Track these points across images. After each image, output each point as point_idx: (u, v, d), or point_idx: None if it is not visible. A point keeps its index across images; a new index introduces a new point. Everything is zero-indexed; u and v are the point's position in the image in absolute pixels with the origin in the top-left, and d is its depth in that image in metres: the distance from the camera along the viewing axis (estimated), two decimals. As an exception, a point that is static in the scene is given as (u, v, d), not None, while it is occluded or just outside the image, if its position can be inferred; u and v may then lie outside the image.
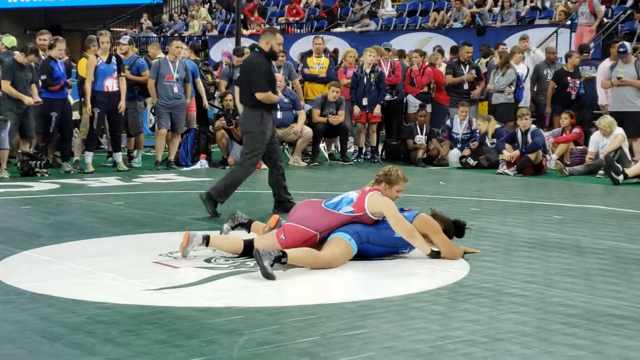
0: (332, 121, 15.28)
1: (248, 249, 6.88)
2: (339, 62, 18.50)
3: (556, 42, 19.52)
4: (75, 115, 14.41)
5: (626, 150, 13.66)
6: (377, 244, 6.99)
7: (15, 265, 6.82)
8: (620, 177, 12.76)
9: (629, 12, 20.50)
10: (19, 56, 13.07)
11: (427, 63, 16.67)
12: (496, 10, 23.72)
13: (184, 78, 14.37)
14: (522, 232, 8.54)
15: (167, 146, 14.75)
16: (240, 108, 10.19)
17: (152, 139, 15.44)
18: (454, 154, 15.28)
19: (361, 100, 15.50)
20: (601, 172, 13.42)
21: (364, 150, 16.08)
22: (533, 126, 14.39)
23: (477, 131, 15.13)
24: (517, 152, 14.01)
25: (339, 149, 16.02)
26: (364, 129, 15.92)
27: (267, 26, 23.54)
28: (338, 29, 26.42)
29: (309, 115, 15.47)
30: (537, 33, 21.12)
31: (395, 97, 16.35)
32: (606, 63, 15.29)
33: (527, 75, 16.41)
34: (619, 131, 13.67)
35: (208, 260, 6.93)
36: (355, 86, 15.52)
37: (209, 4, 32.25)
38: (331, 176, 13.84)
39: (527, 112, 14.55)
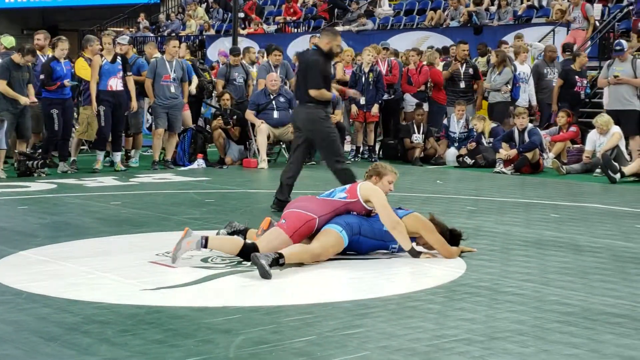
0: (329, 120, 15.28)
1: (247, 249, 6.81)
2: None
3: (553, 41, 19.52)
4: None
5: (623, 148, 13.69)
6: (368, 237, 7.02)
7: (12, 266, 6.81)
8: (617, 176, 12.76)
9: (625, 10, 20.50)
10: (15, 56, 13.06)
11: (424, 62, 16.66)
12: (493, 9, 23.74)
13: (180, 78, 14.37)
14: (519, 230, 8.54)
15: (164, 146, 14.73)
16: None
17: (149, 138, 15.44)
18: (451, 153, 15.29)
19: (359, 100, 15.50)
20: (598, 170, 13.43)
21: (361, 149, 16.09)
22: (530, 125, 14.40)
23: (474, 130, 15.14)
24: (514, 151, 14.02)
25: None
26: (362, 128, 15.93)
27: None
28: (335, 28, 26.39)
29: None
30: (534, 32, 21.16)
31: (393, 96, 16.36)
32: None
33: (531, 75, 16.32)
34: (616, 129, 13.69)
35: (205, 260, 6.93)
36: (354, 85, 15.52)
37: (206, 3, 32.24)
38: (328, 175, 13.78)
39: (524, 111, 14.56)
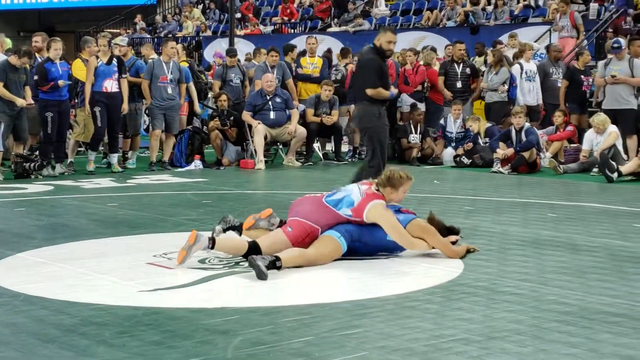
0: (326, 121, 15.29)
1: (252, 250, 6.82)
2: (333, 62, 18.46)
3: (549, 40, 19.54)
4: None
5: (620, 147, 13.68)
6: (368, 244, 7.02)
7: (9, 268, 6.80)
8: (615, 175, 12.77)
9: (621, 10, 20.52)
10: (12, 58, 13.04)
11: (421, 62, 16.67)
12: (490, 8, 23.75)
13: (177, 79, 14.37)
14: (516, 230, 8.55)
15: (161, 147, 14.73)
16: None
17: (146, 139, 15.44)
18: (448, 153, 15.29)
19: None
20: (595, 169, 13.44)
21: (358, 149, 16.08)
22: (527, 124, 14.40)
23: (471, 130, 15.14)
24: (511, 150, 14.02)
25: (333, 149, 16.03)
26: (359, 128, 15.92)
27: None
28: (332, 29, 26.42)
29: (303, 115, 15.47)
30: (531, 31, 21.19)
31: (389, 96, 16.36)
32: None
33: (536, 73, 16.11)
34: (613, 129, 13.69)
35: (202, 261, 6.92)
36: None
37: (202, 4, 32.24)
38: (326, 176, 13.84)
39: (521, 111, 14.55)
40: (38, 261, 7.01)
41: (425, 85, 16.45)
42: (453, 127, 15.42)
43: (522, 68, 15.90)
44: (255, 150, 14.78)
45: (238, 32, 26.62)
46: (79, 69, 13.83)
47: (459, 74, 16.36)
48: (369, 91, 9.73)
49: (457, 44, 16.72)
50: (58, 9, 37.59)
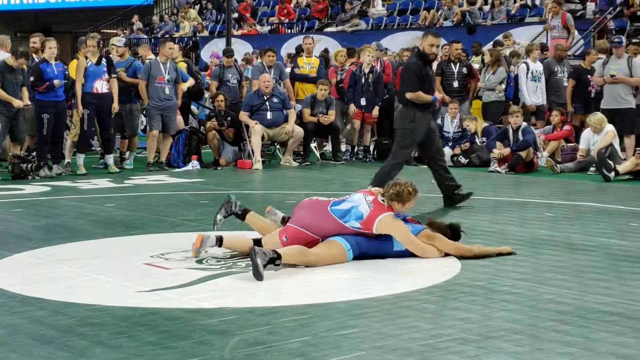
0: (323, 121, 15.29)
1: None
2: (330, 62, 18.45)
3: (546, 39, 19.53)
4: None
5: (617, 146, 13.70)
6: (373, 255, 7.02)
7: (6, 269, 6.80)
8: (612, 174, 12.78)
9: (618, 9, 20.55)
10: (9, 59, 13.04)
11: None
12: (486, 8, 23.76)
13: (174, 79, 14.37)
14: (513, 229, 8.55)
15: (158, 147, 14.71)
16: None
17: (143, 140, 15.43)
18: (445, 153, 15.25)
19: (359, 100, 15.50)
20: (592, 169, 13.45)
21: (356, 149, 16.07)
22: (524, 123, 14.41)
23: (468, 130, 15.15)
24: (507, 150, 14.03)
25: (331, 149, 16.04)
26: (359, 128, 15.89)
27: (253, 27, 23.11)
28: (329, 29, 26.43)
29: (300, 115, 15.47)
30: (528, 31, 21.19)
31: (387, 96, 16.36)
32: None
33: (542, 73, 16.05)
34: (610, 128, 13.70)
35: (199, 261, 6.93)
36: (353, 85, 15.50)
37: (199, 5, 32.24)
38: (323, 176, 13.84)
39: (518, 110, 14.56)
40: (35, 262, 7.01)
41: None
42: (450, 126, 15.42)
43: (528, 67, 15.82)
44: (252, 150, 14.78)
45: (235, 32, 26.62)
46: (75, 70, 13.80)
47: (455, 73, 16.36)
48: (409, 95, 9.84)
49: (453, 44, 16.71)
50: (55, 10, 37.57)
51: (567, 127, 14.89)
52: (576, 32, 19.13)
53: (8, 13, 37.65)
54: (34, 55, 13.98)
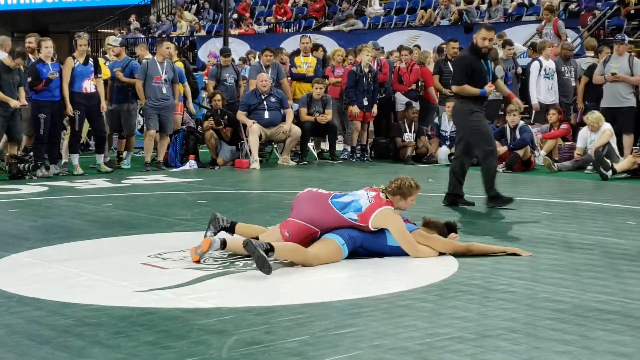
0: (320, 120, 15.28)
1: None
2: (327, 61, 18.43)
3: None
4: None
5: (614, 145, 13.70)
6: (369, 250, 7.02)
7: (3, 269, 6.80)
8: (609, 173, 12.79)
9: (615, 7, 20.55)
10: (6, 59, 13.03)
11: (415, 61, 16.67)
12: (483, 7, 23.77)
13: (172, 79, 14.37)
14: (510, 228, 8.55)
15: (155, 147, 14.71)
16: None
17: (140, 140, 15.43)
18: (443, 152, 15.29)
19: (362, 100, 15.50)
20: (590, 167, 13.46)
21: (355, 149, 16.04)
22: (521, 122, 14.42)
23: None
24: (504, 148, 14.04)
25: (328, 148, 16.03)
26: (360, 128, 15.89)
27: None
28: (326, 28, 26.42)
29: (297, 114, 15.47)
30: (524, 29, 21.18)
31: (384, 95, 16.37)
32: None
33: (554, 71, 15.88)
34: (607, 126, 13.71)
35: (197, 261, 6.92)
36: (354, 85, 15.47)
37: (196, 4, 32.23)
38: (321, 175, 13.84)
39: (516, 108, 14.55)
40: (32, 262, 7.01)
41: (420, 84, 16.45)
42: (447, 125, 15.43)
43: (541, 65, 15.65)
44: (250, 149, 14.79)
45: (232, 31, 26.61)
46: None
47: (452, 72, 16.33)
48: (454, 88, 9.96)
49: (451, 42, 16.72)
50: (51, 10, 37.54)
51: (564, 126, 14.89)
52: (573, 32, 19.14)
53: (5, 13, 37.62)
54: (29, 56, 13.96)
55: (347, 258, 6.94)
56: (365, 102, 15.57)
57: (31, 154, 13.23)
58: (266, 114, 14.87)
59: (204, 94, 17.96)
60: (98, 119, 13.82)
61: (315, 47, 17.54)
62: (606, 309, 5.44)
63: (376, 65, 16.26)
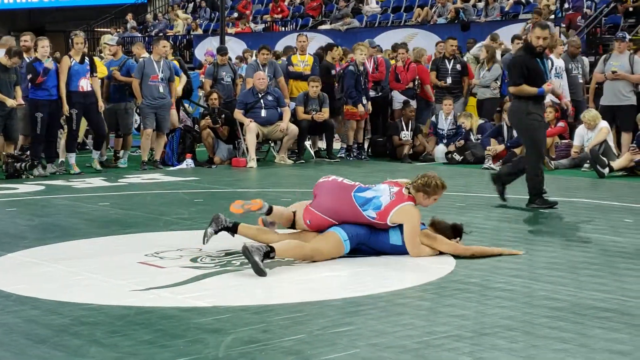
0: (317, 118, 15.27)
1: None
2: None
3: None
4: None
5: (611, 143, 13.70)
6: (370, 247, 7.02)
7: (0, 268, 6.78)
8: (606, 170, 12.79)
9: (612, 5, 20.56)
10: (2, 58, 13.00)
11: (411, 59, 16.68)
12: (480, 5, 23.78)
13: (168, 77, 14.35)
14: (507, 226, 8.56)
15: (152, 146, 14.70)
16: None
17: (137, 139, 15.41)
18: (440, 150, 15.30)
19: (361, 99, 15.51)
20: (586, 165, 13.46)
21: (353, 147, 16.01)
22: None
23: (462, 127, 15.15)
24: (501, 147, 14.04)
25: (325, 146, 16.03)
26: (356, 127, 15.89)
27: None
28: (323, 26, 26.42)
29: (294, 113, 15.45)
30: (521, 27, 21.16)
31: (380, 94, 16.37)
32: None
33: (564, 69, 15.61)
34: (604, 124, 13.71)
35: (194, 260, 6.92)
36: (355, 84, 15.45)
37: (192, 3, 32.21)
38: (318, 173, 13.74)
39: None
40: (29, 261, 7.00)
41: (416, 82, 16.45)
42: (444, 124, 15.43)
43: (552, 64, 15.43)
44: (247, 148, 14.78)
45: (229, 30, 26.61)
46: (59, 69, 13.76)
47: (449, 70, 16.35)
48: (511, 89, 9.82)
49: (449, 40, 16.71)
50: (48, 8, 37.50)
51: (561, 124, 14.89)
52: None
53: (2, 12, 37.57)
54: (24, 54, 13.92)
55: (348, 254, 6.94)
56: (364, 101, 15.58)
57: (28, 153, 13.22)
58: (263, 112, 14.86)
59: (200, 93, 17.94)
60: (97, 118, 13.81)
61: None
62: (603, 307, 5.44)
63: (373, 63, 16.26)
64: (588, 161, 13.38)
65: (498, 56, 16.64)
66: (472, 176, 13.21)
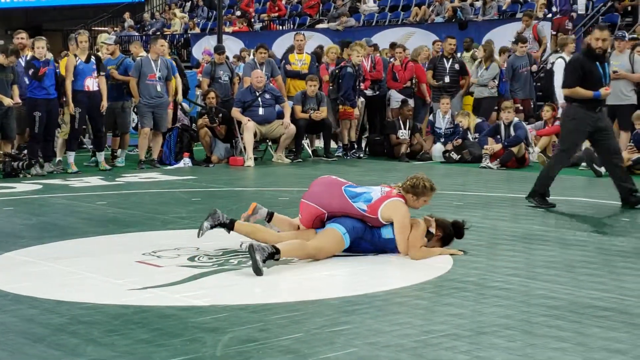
0: (315, 117, 15.26)
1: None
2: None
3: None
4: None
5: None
6: (368, 241, 7.01)
7: (-3, 267, 6.79)
8: (603, 169, 12.77)
9: (609, 4, 20.56)
10: (-1, 57, 13.00)
11: (408, 58, 16.68)
12: (478, 4, 23.78)
13: (165, 76, 14.34)
14: (505, 225, 8.56)
15: (150, 145, 14.68)
16: None
17: (135, 137, 15.40)
18: (438, 149, 15.30)
19: (356, 100, 15.54)
20: (584, 164, 13.46)
21: (348, 146, 16.01)
22: (516, 119, 14.41)
23: (460, 126, 15.15)
24: (499, 146, 14.04)
25: (323, 145, 16.02)
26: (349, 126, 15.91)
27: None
28: (320, 25, 26.42)
29: (292, 112, 15.44)
30: (518, 26, 21.15)
31: (378, 93, 16.36)
32: None
33: None
34: (601, 123, 13.69)
35: (191, 259, 6.92)
36: (354, 84, 15.46)
37: (190, 1, 32.20)
38: (315, 172, 13.78)
39: (511, 105, 14.56)
40: (27, 260, 6.99)
41: (414, 81, 16.45)
42: (442, 122, 15.43)
43: (565, 62, 15.42)
44: (244, 147, 14.77)
45: (226, 29, 26.59)
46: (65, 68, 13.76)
47: (447, 69, 16.35)
48: (565, 91, 9.67)
49: (448, 39, 16.70)
50: (45, 7, 37.45)
51: (558, 123, 14.88)
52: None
53: (-1, 11, 37.57)
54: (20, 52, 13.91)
55: (346, 251, 6.95)
56: (360, 99, 15.63)
57: (25, 152, 13.20)
58: (260, 111, 14.86)
59: (198, 92, 17.93)
60: (98, 117, 13.80)
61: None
62: (601, 306, 5.44)
63: (370, 62, 16.26)
64: (585, 160, 13.37)
65: (496, 55, 16.64)
66: (469, 175, 13.22)
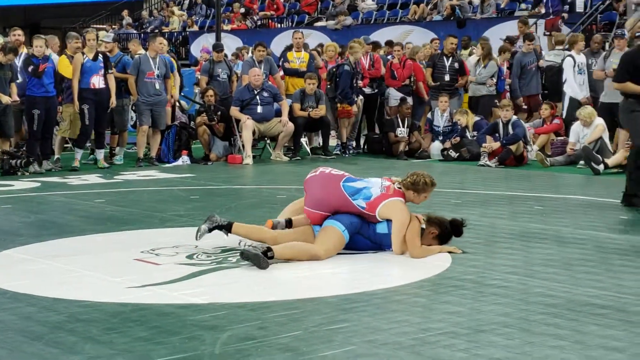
0: (314, 115, 15.26)
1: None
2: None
3: (536, 32, 19.55)
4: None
5: (607, 140, 13.71)
6: (366, 237, 7.02)
7: (-4, 265, 6.79)
8: (601, 167, 12.80)
9: (607, 2, 20.56)
10: (-3, 55, 12.99)
11: (407, 56, 16.67)
12: (476, 2, 23.78)
13: (164, 74, 14.34)
14: (503, 223, 8.56)
15: (148, 143, 14.68)
16: None
17: (133, 135, 15.40)
18: (436, 147, 15.30)
19: (354, 98, 15.54)
20: (582, 162, 13.46)
21: (347, 144, 16.02)
22: (514, 117, 14.41)
23: (458, 124, 15.16)
24: (497, 144, 14.04)
25: (321, 143, 16.02)
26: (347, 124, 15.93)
27: None
28: (319, 23, 26.42)
29: (290, 110, 15.43)
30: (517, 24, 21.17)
31: (376, 90, 16.36)
32: None
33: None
34: (599, 121, 13.71)
35: (190, 257, 6.92)
36: (352, 82, 15.46)
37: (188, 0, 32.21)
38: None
39: (509, 104, 14.57)
40: (25, 258, 6.99)
41: (412, 79, 16.44)
42: (440, 120, 15.43)
43: (574, 61, 15.14)
44: (243, 145, 14.77)
45: (224, 27, 26.58)
46: (64, 66, 13.76)
47: (447, 67, 16.33)
48: (615, 85, 9.62)
49: (449, 38, 16.68)
50: (44, 5, 37.43)
51: (556, 121, 14.90)
52: (567, 28, 19.13)
53: (-3, 9, 37.54)
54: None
55: (346, 249, 6.96)
56: (355, 98, 15.62)
57: (23, 149, 13.19)
58: (259, 109, 14.85)
59: (196, 90, 17.92)
60: (102, 115, 13.78)
61: (305, 47, 17.45)
62: (599, 304, 5.45)
63: (369, 60, 16.26)
64: (583, 158, 13.37)
65: (494, 53, 16.64)
66: (467, 173, 13.22)
